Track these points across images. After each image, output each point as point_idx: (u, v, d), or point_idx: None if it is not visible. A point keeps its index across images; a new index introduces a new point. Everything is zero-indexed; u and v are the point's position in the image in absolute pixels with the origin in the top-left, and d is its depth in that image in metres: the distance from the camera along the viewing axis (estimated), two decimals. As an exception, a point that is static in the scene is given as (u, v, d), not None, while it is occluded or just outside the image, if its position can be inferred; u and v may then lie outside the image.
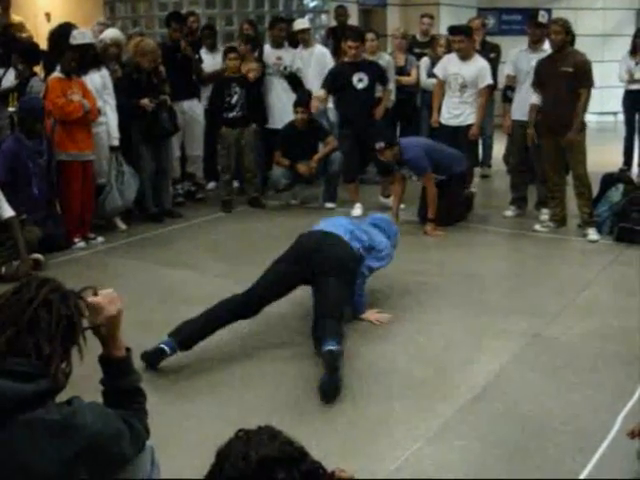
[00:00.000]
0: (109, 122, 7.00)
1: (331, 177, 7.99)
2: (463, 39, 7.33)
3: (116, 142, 7.05)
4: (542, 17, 7.17)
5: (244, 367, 4.21)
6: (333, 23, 10.68)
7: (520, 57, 7.31)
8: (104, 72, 7.00)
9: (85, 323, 2.05)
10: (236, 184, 8.55)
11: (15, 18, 10.69)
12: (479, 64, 7.39)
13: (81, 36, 6.81)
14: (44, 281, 1.98)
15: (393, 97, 8.67)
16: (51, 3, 12.28)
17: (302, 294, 4.76)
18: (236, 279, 5.66)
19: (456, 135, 7.36)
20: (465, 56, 7.37)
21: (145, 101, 7.13)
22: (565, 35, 6.48)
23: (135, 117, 7.23)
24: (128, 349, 2.22)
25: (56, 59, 6.80)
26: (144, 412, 2.18)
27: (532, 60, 7.03)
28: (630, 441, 2.97)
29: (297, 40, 8.70)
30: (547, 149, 6.71)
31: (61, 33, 7.34)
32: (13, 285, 2.01)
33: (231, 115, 7.88)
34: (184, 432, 3.48)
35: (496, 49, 9.19)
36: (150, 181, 7.48)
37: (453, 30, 7.63)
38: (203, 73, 8.41)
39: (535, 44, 7.21)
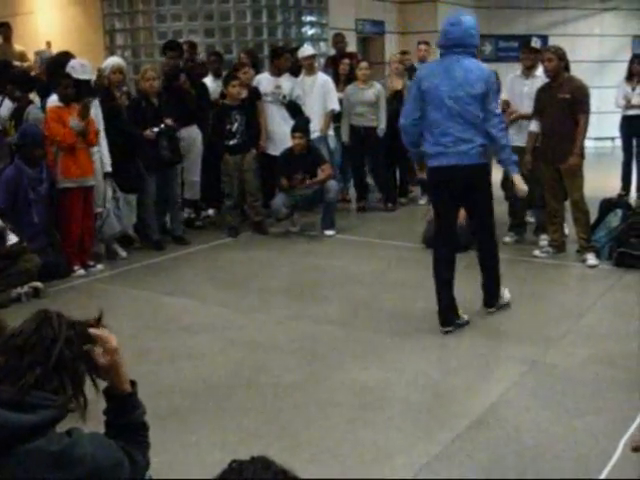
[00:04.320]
0: (101, 150, 7.02)
1: (328, 205, 8.02)
2: None
3: (109, 168, 7.07)
4: (535, 42, 7.26)
5: (244, 395, 4.20)
6: (332, 51, 10.78)
7: (513, 83, 7.39)
8: (96, 102, 7.05)
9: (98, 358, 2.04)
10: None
11: (17, 47, 10.81)
12: None
13: (81, 70, 6.86)
14: (60, 317, 1.97)
15: (384, 126, 8.82)
16: (53, 32, 12.41)
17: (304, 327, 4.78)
18: (236, 308, 5.69)
19: None
20: None
21: (147, 132, 7.22)
22: (558, 61, 6.54)
23: (139, 146, 7.32)
24: (133, 383, 2.17)
25: (52, 87, 6.87)
26: (147, 445, 2.17)
27: (525, 86, 7.12)
28: (632, 468, 2.96)
29: (299, 68, 8.79)
30: (546, 175, 6.74)
31: (57, 62, 7.43)
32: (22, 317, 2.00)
33: (232, 143, 7.95)
34: (183, 463, 3.46)
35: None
36: (154, 208, 7.54)
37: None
38: (209, 99, 8.50)
39: (528, 70, 7.26)
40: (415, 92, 5.16)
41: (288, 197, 7.97)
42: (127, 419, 2.13)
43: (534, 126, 6.82)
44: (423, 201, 7.80)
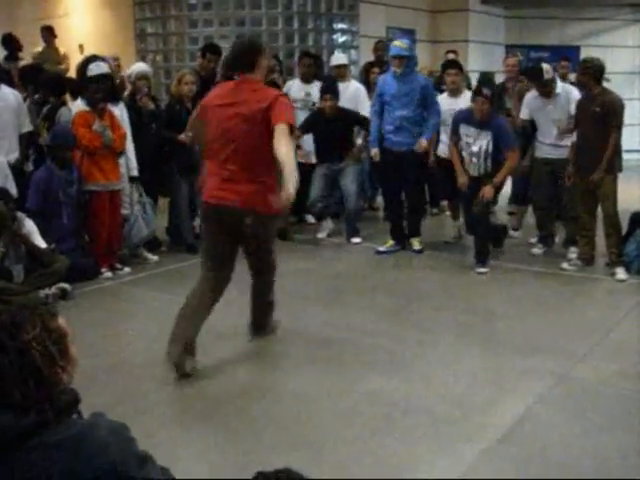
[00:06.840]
0: (127, 154, 7.01)
1: (349, 213, 8.03)
2: (457, 72, 7.84)
3: (135, 172, 7.08)
4: (547, 73, 6.92)
5: (267, 403, 4.19)
6: (363, 59, 10.76)
7: (534, 102, 7.21)
8: (121, 105, 7.08)
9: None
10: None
11: (60, 50, 10.96)
12: (468, 97, 7.60)
13: (97, 68, 6.82)
14: None
15: None
16: (85, 35, 12.53)
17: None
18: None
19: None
20: (455, 91, 7.75)
21: (181, 136, 7.20)
22: (581, 75, 6.48)
23: (173, 150, 7.38)
24: None
25: (80, 90, 6.90)
26: None
27: (547, 104, 7.02)
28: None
29: (323, 75, 8.79)
30: (580, 188, 6.67)
31: (85, 65, 7.47)
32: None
33: None
34: (201, 470, 3.44)
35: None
36: (186, 212, 7.62)
37: (448, 65, 8.13)
38: None
39: (547, 94, 7.08)
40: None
41: (325, 182, 7.93)
42: None
43: (575, 137, 6.76)
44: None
